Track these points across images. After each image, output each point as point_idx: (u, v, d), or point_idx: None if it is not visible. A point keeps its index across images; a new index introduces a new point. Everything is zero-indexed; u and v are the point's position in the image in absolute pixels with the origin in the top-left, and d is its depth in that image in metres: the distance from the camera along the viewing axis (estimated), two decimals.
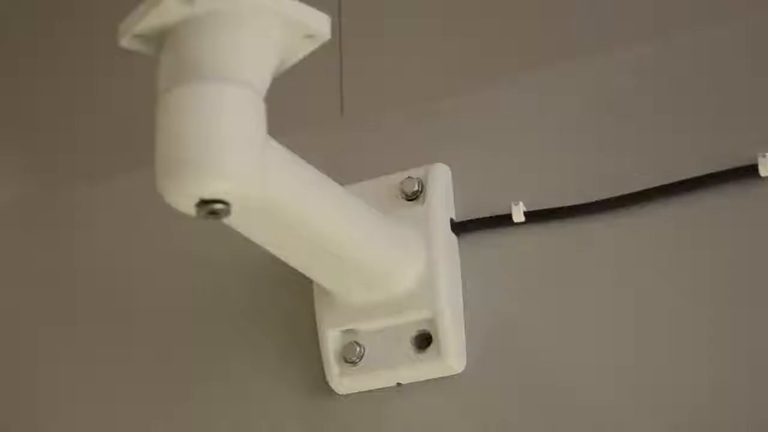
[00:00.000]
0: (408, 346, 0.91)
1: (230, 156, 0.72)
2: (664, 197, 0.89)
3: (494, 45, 1.02)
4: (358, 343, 0.93)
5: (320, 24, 0.76)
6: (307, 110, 1.05)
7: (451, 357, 0.90)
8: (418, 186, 0.94)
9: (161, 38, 0.74)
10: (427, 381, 0.92)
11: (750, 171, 0.86)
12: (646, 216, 0.90)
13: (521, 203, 0.93)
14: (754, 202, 0.87)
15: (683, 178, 0.89)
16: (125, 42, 0.75)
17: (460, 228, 0.94)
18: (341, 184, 0.88)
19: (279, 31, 0.75)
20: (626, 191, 0.90)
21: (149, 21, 0.73)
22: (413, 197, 0.94)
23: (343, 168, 0.96)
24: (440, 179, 0.95)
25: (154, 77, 0.75)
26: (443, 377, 0.92)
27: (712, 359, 0.85)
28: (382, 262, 0.90)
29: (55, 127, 1.21)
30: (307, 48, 0.77)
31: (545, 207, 0.92)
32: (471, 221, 0.94)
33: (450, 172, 0.96)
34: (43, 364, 1.10)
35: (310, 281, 0.94)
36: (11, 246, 1.16)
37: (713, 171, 0.88)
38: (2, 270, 1.15)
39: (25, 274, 1.14)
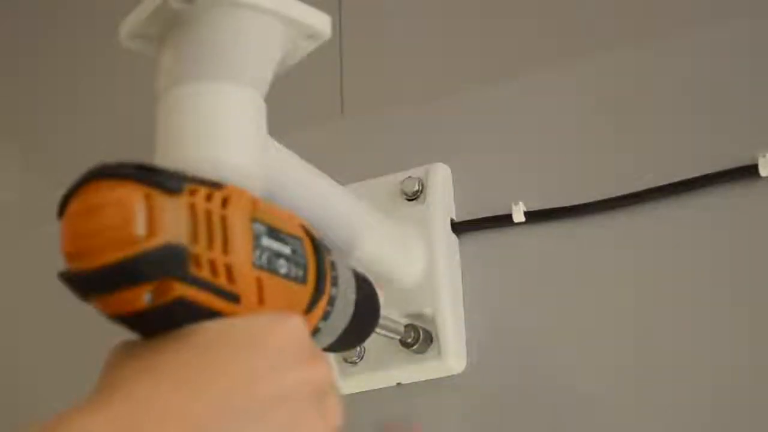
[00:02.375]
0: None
1: (229, 155, 0.72)
2: (664, 197, 0.89)
3: (494, 45, 1.02)
4: None
5: (321, 24, 0.76)
6: (307, 110, 1.05)
7: (451, 357, 0.90)
8: (419, 186, 0.94)
9: (161, 38, 0.74)
10: (427, 381, 0.92)
11: (750, 171, 0.86)
12: (646, 216, 0.90)
13: (521, 203, 0.93)
14: (754, 202, 0.87)
15: (683, 178, 0.89)
16: (125, 41, 0.75)
17: (460, 228, 0.95)
18: (342, 183, 0.88)
19: (279, 30, 0.75)
20: (626, 191, 0.90)
21: (149, 20, 0.73)
22: (414, 197, 0.94)
23: (343, 167, 0.96)
24: (440, 179, 0.95)
25: (154, 76, 0.75)
26: (443, 377, 0.92)
27: (712, 358, 0.85)
28: (382, 261, 0.90)
29: (55, 127, 1.20)
30: (307, 48, 0.77)
31: (545, 207, 0.92)
32: (471, 221, 0.94)
33: (450, 172, 0.96)
34: (43, 363, 1.10)
35: None
36: (11, 246, 1.16)
37: (713, 171, 0.88)
38: (2, 269, 1.15)
39: (25, 274, 1.14)
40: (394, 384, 0.93)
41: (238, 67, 0.73)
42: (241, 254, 0.60)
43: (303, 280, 0.64)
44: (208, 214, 0.59)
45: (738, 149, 0.87)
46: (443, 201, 0.94)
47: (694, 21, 0.94)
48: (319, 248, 0.66)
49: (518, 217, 0.93)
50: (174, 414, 0.54)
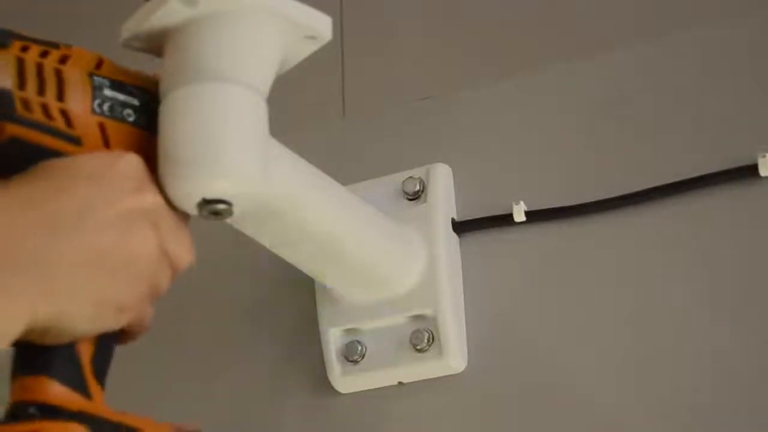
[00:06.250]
0: (409, 346, 0.92)
1: (231, 156, 0.72)
2: (664, 197, 0.90)
3: (494, 45, 1.02)
4: (359, 342, 0.93)
5: (322, 25, 0.76)
6: (309, 110, 1.05)
7: (452, 356, 0.91)
8: (420, 185, 0.95)
9: (164, 39, 0.75)
10: (429, 380, 0.92)
11: (750, 171, 0.87)
12: (646, 216, 0.90)
13: (522, 203, 0.93)
14: (754, 202, 0.87)
15: (683, 178, 0.89)
16: (128, 42, 0.75)
17: (461, 227, 0.95)
18: (343, 183, 0.88)
19: (281, 32, 0.75)
20: (626, 191, 0.90)
21: (152, 21, 0.74)
22: (415, 197, 0.95)
23: (344, 168, 0.96)
24: (441, 179, 0.95)
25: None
26: (444, 376, 0.92)
27: (713, 358, 0.85)
28: (383, 261, 0.90)
29: None
30: (308, 49, 0.77)
31: (546, 207, 0.93)
32: (472, 221, 0.95)
33: (451, 172, 0.96)
34: None
35: (311, 280, 0.94)
36: None
37: (713, 171, 0.88)
38: None
39: None
40: (396, 383, 0.93)
41: (239, 69, 0.74)
42: (77, 101, 0.68)
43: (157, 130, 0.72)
44: (40, 66, 0.68)
45: (738, 149, 0.88)
46: (444, 201, 0.94)
47: (694, 21, 0.94)
48: None
49: (519, 216, 0.93)
50: (1, 221, 0.62)
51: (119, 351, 1.05)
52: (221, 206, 0.73)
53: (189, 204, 0.73)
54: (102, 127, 0.70)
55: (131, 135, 0.71)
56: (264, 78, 0.75)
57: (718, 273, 0.87)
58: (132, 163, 0.69)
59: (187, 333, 1.03)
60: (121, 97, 0.71)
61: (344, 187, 0.88)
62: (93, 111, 0.69)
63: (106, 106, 0.70)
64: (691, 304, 0.87)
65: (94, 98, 0.70)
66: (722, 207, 0.88)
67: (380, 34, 1.06)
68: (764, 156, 0.86)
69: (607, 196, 0.91)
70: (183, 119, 0.72)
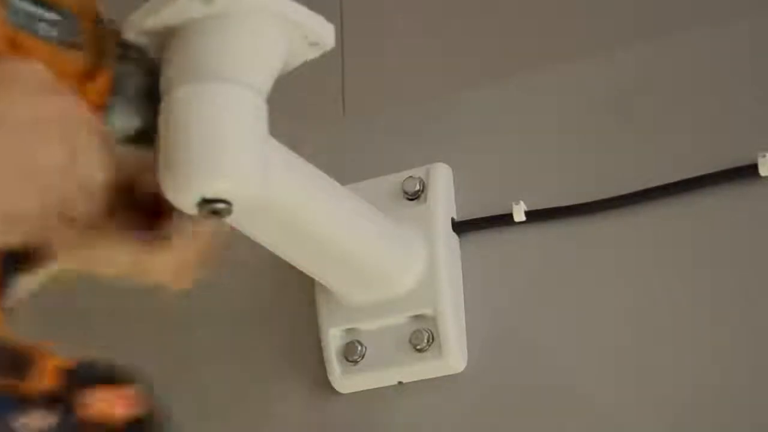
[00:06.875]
0: (409, 346, 0.92)
1: (231, 156, 0.72)
2: (664, 197, 0.90)
3: (494, 45, 1.02)
4: (359, 343, 0.93)
5: (326, 32, 0.77)
6: (309, 110, 1.05)
7: (452, 356, 0.91)
8: (420, 185, 0.95)
9: (166, 37, 0.75)
10: (428, 380, 0.92)
11: (750, 171, 0.87)
12: (646, 216, 0.90)
13: (522, 203, 0.93)
14: (754, 202, 0.87)
15: (683, 178, 0.89)
16: (132, 36, 0.75)
17: (461, 227, 0.95)
18: (343, 183, 0.88)
19: (284, 36, 0.75)
20: (626, 191, 0.90)
21: (158, 19, 0.74)
22: (414, 197, 0.95)
23: (344, 167, 0.96)
24: (441, 179, 0.95)
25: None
26: (444, 376, 0.92)
27: (713, 358, 0.85)
28: (383, 261, 0.90)
29: None
30: (310, 54, 0.78)
31: (546, 206, 0.93)
32: (472, 220, 0.95)
33: (451, 172, 0.96)
34: None
35: (311, 280, 0.94)
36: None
37: (713, 171, 0.88)
38: None
39: None
40: (395, 383, 0.93)
41: (240, 69, 0.74)
42: None
43: (74, 47, 0.71)
44: None
45: (738, 149, 0.88)
46: (444, 200, 0.94)
47: (694, 21, 0.94)
48: (101, 22, 0.73)
49: (519, 216, 0.93)
50: None
51: (120, 352, 1.05)
52: (220, 206, 0.73)
53: (188, 203, 0.73)
54: (12, 38, 0.69)
55: (43, 48, 0.70)
56: (264, 79, 0.75)
57: (718, 273, 0.87)
58: (37, 70, 0.68)
59: (187, 332, 1.03)
60: (34, 9, 0.71)
61: (344, 187, 0.88)
62: (5, 21, 0.69)
63: (20, 16, 0.70)
64: (691, 304, 0.87)
65: (8, 8, 0.69)
66: (722, 207, 0.88)
67: (380, 34, 1.07)
68: (764, 156, 0.86)
69: (607, 196, 0.91)
70: (183, 119, 0.72)
